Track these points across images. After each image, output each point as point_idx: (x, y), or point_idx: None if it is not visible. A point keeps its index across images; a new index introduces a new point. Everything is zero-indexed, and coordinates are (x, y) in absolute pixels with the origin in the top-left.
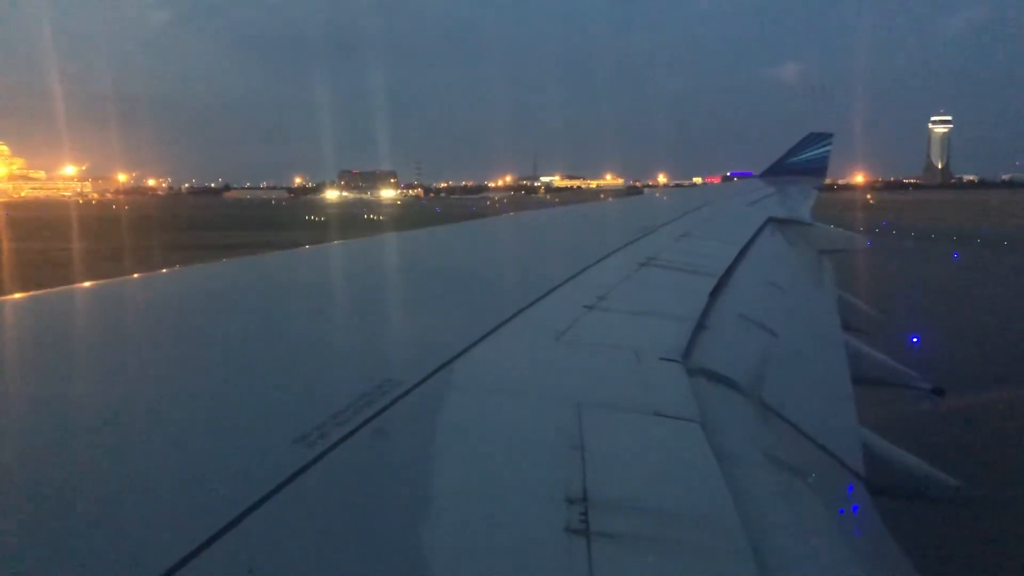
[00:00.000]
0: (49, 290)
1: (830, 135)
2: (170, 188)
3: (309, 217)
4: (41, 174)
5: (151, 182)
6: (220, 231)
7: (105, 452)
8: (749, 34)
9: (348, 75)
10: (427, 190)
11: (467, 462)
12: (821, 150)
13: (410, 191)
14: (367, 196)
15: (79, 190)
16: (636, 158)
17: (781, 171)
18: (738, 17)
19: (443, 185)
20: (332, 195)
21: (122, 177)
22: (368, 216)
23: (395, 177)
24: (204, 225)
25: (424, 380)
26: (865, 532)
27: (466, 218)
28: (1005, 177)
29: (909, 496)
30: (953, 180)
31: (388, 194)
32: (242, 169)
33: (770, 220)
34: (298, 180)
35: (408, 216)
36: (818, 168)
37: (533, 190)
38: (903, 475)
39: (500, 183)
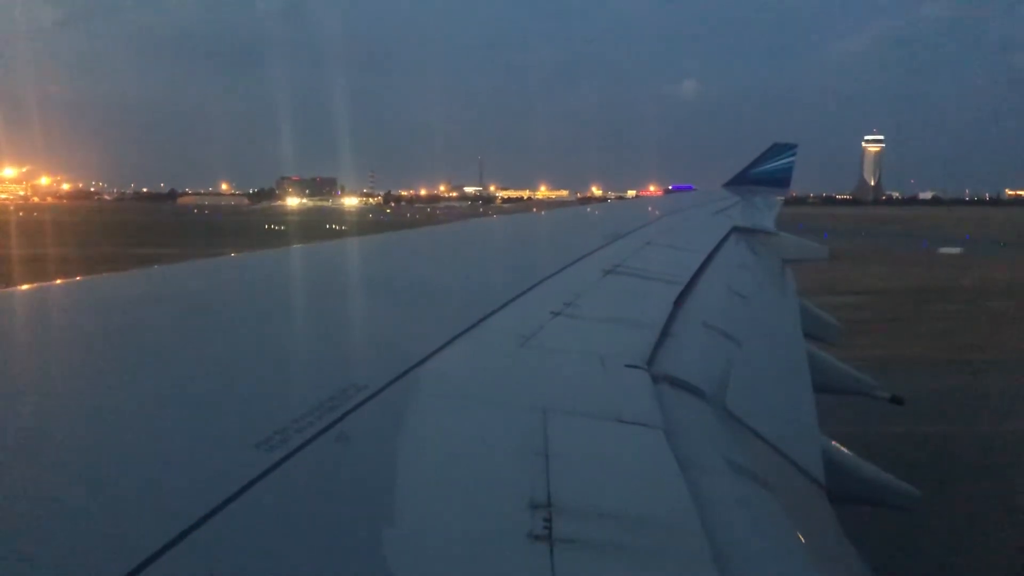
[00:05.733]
0: (7, 289)
1: (794, 145)
2: (119, 193)
3: (331, 226)
4: None
5: (67, 186)
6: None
7: (60, 455)
8: (685, 50)
9: (280, 82)
10: (387, 198)
11: (430, 467)
12: (785, 161)
13: (369, 199)
14: (329, 203)
15: (22, 193)
16: (568, 171)
17: (745, 181)
18: (673, 33)
19: (403, 193)
20: (293, 202)
21: (45, 180)
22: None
23: (335, 184)
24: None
25: (388, 385)
26: (825, 538)
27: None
28: (926, 195)
29: (869, 504)
30: (884, 197)
31: (351, 202)
32: (176, 174)
33: (735, 229)
34: (224, 186)
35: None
36: (782, 178)
37: (491, 200)
38: (863, 483)
39: (451, 193)
